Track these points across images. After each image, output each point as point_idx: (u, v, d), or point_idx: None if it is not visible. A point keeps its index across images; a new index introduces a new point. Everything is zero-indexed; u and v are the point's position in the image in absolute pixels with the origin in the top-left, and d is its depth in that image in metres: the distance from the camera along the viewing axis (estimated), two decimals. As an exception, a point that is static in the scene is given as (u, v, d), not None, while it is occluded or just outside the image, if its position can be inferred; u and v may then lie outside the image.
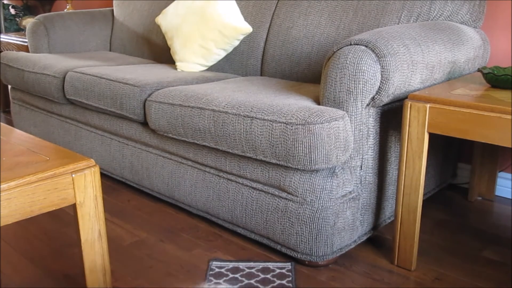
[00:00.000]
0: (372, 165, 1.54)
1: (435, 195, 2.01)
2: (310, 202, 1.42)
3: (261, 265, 1.52)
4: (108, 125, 2.09)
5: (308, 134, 1.32)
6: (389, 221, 1.72)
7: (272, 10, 2.21)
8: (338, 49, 1.41)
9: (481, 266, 1.53)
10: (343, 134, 1.36)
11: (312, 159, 1.34)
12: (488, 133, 1.25)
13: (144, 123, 1.90)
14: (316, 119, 1.32)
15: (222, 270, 1.49)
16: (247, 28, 2.17)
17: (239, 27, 2.16)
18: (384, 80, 1.38)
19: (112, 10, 3.07)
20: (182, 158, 1.80)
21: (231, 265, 1.52)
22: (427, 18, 1.77)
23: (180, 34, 2.30)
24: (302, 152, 1.34)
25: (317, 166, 1.35)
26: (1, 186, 1.03)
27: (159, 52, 2.67)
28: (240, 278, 1.45)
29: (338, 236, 1.47)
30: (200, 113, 1.57)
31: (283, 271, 1.48)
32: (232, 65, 2.28)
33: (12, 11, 3.91)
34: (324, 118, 1.33)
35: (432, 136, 1.39)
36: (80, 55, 2.68)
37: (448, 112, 1.31)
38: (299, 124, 1.33)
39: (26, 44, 3.04)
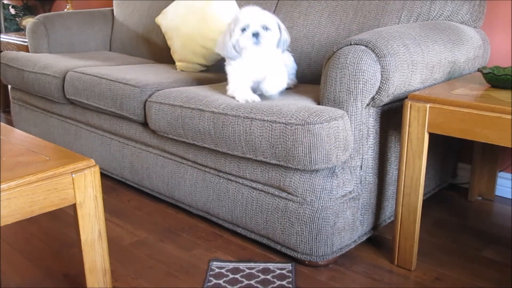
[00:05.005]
0: (372, 165, 1.54)
1: (435, 195, 2.01)
2: (310, 202, 1.43)
3: (261, 265, 1.52)
4: (108, 125, 2.09)
5: (308, 134, 1.32)
6: (389, 221, 1.72)
7: (272, 10, 2.20)
8: (338, 49, 1.41)
9: (481, 266, 1.53)
10: (343, 134, 1.36)
11: (312, 159, 1.34)
12: (488, 133, 1.25)
13: (144, 124, 1.90)
14: (315, 119, 1.32)
15: (222, 270, 1.49)
16: (247, 28, 2.17)
17: (239, 27, 2.16)
18: (384, 80, 1.38)
19: (112, 10, 3.07)
20: (182, 158, 1.80)
21: (231, 265, 1.52)
22: (427, 18, 1.77)
23: (180, 34, 2.30)
24: (302, 152, 1.34)
25: (317, 166, 1.35)
26: (1, 186, 1.03)
27: (159, 52, 2.67)
28: (240, 278, 1.45)
29: (338, 236, 1.47)
30: (200, 114, 1.57)
31: (284, 272, 1.48)
32: (232, 65, 2.28)
33: (12, 11, 3.91)
34: (323, 118, 1.33)
35: (432, 136, 1.39)
36: (80, 55, 2.68)
37: (448, 112, 1.31)
38: (299, 124, 1.33)
39: (26, 44, 3.04)
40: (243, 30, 1.54)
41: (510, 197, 2.02)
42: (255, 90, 1.61)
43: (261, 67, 1.58)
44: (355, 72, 1.36)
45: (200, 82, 2.04)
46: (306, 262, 1.52)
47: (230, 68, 1.62)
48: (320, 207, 1.42)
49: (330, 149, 1.34)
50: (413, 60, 1.45)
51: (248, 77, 1.59)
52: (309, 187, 1.42)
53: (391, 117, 1.57)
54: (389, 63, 1.37)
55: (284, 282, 1.43)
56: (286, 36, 1.61)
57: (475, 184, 1.98)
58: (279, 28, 1.59)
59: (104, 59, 2.57)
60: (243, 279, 1.44)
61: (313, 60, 2.01)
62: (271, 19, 1.57)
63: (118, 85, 1.93)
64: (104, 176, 2.23)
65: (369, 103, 1.44)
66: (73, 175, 1.14)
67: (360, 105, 1.42)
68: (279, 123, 1.37)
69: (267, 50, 1.56)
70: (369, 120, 1.48)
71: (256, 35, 1.53)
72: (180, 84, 1.96)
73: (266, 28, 1.54)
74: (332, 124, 1.33)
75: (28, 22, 3.47)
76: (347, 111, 1.41)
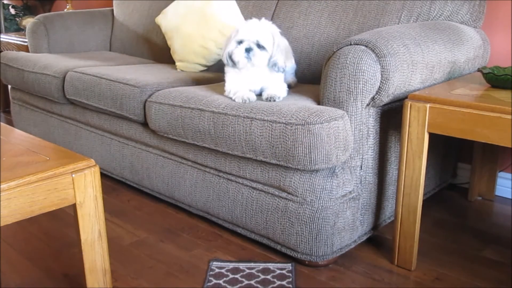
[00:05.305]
0: (372, 165, 1.54)
1: (435, 195, 2.01)
2: (310, 202, 1.43)
3: (261, 265, 1.52)
4: (108, 125, 2.09)
5: (308, 134, 1.32)
6: (389, 221, 1.72)
7: (272, 10, 2.21)
8: (338, 49, 1.41)
9: (481, 266, 1.53)
10: (343, 134, 1.36)
11: (312, 159, 1.34)
12: (488, 133, 1.25)
13: (144, 124, 1.90)
14: (315, 119, 1.32)
15: (222, 270, 1.49)
16: (247, 28, 2.16)
17: (239, 27, 2.16)
18: (384, 80, 1.38)
19: (112, 10, 3.07)
20: (182, 158, 1.80)
21: (231, 265, 1.52)
22: (427, 18, 1.77)
23: (180, 34, 2.30)
24: (302, 152, 1.34)
25: (317, 166, 1.35)
26: (1, 186, 1.03)
27: (159, 52, 2.67)
28: (240, 278, 1.45)
29: (338, 236, 1.47)
30: (200, 114, 1.57)
31: (284, 272, 1.48)
32: (232, 65, 2.28)
33: (12, 11, 3.91)
34: (323, 118, 1.33)
35: (432, 136, 1.39)
36: (80, 55, 2.68)
37: (448, 112, 1.31)
38: (299, 124, 1.33)
39: (26, 44, 3.04)
40: (240, 42, 1.55)
41: (510, 197, 2.02)
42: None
43: (256, 81, 1.58)
44: (355, 72, 1.36)
45: (200, 82, 2.04)
46: (306, 262, 1.52)
47: (228, 70, 1.63)
48: (320, 207, 1.42)
49: (330, 149, 1.34)
50: (413, 60, 1.45)
51: (244, 84, 1.59)
52: (309, 187, 1.42)
53: (391, 117, 1.57)
54: (389, 63, 1.37)
55: (284, 282, 1.43)
56: (279, 59, 1.54)
57: (475, 184, 1.98)
58: (274, 47, 1.54)
59: (104, 59, 2.57)
60: (243, 279, 1.44)
61: (313, 60, 2.01)
62: (266, 38, 1.53)
63: (118, 85, 1.93)
64: (104, 176, 2.23)
65: (369, 103, 1.44)
66: (73, 175, 1.14)
67: (360, 105, 1.42)
68: (279, 123, 1.37)
69: (259, 68, 1.55)
70: (369, 120, 1.48)
71: (248, 50, 1.52)
72: (180, 84, 1.96)
73: (261, 46, 1.52)
74: (332, 124, 1.33)
75: (28, 22, 3.47)
76: (347, 111, 1.41)
